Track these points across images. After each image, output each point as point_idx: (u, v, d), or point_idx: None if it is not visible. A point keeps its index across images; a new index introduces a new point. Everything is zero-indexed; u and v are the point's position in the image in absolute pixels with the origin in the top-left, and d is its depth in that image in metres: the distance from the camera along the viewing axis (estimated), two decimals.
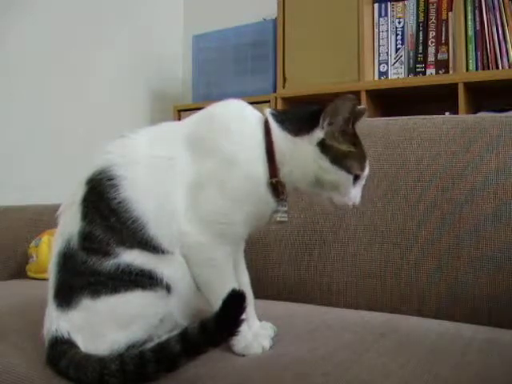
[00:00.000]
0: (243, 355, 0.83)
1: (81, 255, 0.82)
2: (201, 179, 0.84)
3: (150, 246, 0.82)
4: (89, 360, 0.78)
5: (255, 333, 0.87)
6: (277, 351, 0.85)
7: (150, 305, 0.82)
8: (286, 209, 0.89)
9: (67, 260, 0.84)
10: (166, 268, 0.83)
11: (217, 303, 0.83)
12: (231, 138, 0.86)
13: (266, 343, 0.85)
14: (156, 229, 0.83)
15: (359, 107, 0.88)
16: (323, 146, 0.84)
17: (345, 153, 0.84)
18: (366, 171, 0.87)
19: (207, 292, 0.86)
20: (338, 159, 0.84)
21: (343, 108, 0.84)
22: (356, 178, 0.85)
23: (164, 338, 0.78)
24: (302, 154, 0.85)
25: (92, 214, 0.83)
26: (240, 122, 0.88)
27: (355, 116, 0.86)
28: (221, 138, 0.86)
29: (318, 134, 0.85)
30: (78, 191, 0.85)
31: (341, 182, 0.85)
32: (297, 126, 0.87)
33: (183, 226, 0.84)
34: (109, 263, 0.81)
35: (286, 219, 0.89)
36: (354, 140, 0.86)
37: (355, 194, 0.86)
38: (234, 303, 0.74)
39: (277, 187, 0.86)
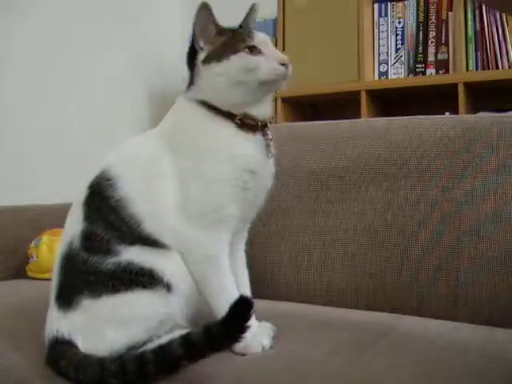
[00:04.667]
0: (243, 354, 0.83)
1: (82, 255, 0.83)
2: (182, 176, 0.86)
3: (149, 241, 0.84)
4: (88, 360, 0.78)
5: (254, 332, 0.87)
6: (277, 351, 0.85)
7: (151, 305, 0.82)
8: (269, 142, 0.91)
9: (69, 261, 0.85)
10: (166, 266, 0.84)
11: (214, 301, 0.84)
12: (182, 127, 0.91)
13: (266, 342, 0.86)
14: (152, 225, 0.84)
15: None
16: (206, 59, 0.89)
17: (221, 45, 0.88)
18: (255, 38, 0.88)
19: (204, 289, 0.86)
20: (221, 54, 0.87)
21: (198, 22, 0.89)
22: (251, 49, 0.87)
23: (166, 340, 0.78)
24: (210, 80, 0.89)
25: (93, 213, 0.85)
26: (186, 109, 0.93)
27: (211, 17, 0.89)
28: (178, 133, 0.90)
29: (200, 56, 0.90)
30: (81, 195, 0.88)
31: (242, 64, 0.86)
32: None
33: (176, 224, 0.85)
34: (110, 262, 0.81)
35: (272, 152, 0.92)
36: (222, 34, 0.89)
37: (267, 59, 0.86)
38: (241, 309, 0.74)
39: (245, 122, 0.88)
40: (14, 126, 2.14)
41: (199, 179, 0.86)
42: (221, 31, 0.90)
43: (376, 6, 2.36)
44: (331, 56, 2.37)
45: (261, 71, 0.86)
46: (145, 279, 0.82)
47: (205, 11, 0.88)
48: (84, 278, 0.82)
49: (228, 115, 0.88)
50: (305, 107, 2.57)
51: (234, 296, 0.83)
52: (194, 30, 0.89)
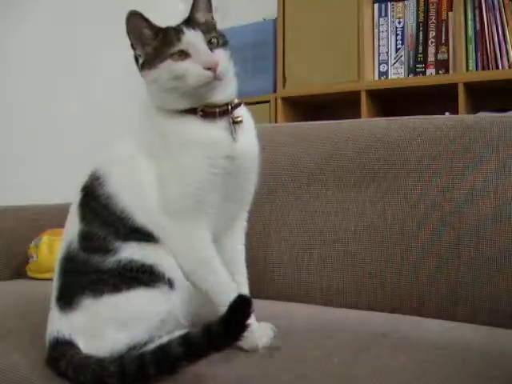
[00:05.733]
0: (242, 348, 0.83)
1: (82, 255, 0.84)
2: (158, 178, 0.87)
3: (143, 234, 0.85)
4: (88, 361, 0.78)
5: (254, 331, 0.87)
6: (277, 351, 0.85)
7: (153, 303, 0.82)
8: (234, 126, 0.89)
9: (69, 262, 0.86)
10: (166, 261, 0.84)
11: (209, 291, 0.86)
12: (149, 131, 0.91)
13: (265, 339, 0.85)
14: (143, 218, 0.85)
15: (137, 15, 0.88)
16: (142, 66, 0.89)
17: (153, 50, 0.87)
18: (183, 41, 0.85)
19: (195, 282, 0.86)
20: (152, 62, 0.87)
21: (129, 31, 0.88)
22: (181, 54, 0.85)
23: (165, 340, 0.78)
24: (148, 86, 0.90)
25: (88, 213, 0.87)
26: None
27: (143, 22, 0.88)
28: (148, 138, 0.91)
29: (140, 62, 0.90)
30: (76, 198, 0.90)
31: (169, 73, 0.85)
32: None
33: (160, 220, 0.86)
34: (110, 260, 0.82)
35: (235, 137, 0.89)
36: (157, 35, 0.88)
37: (193, 64, 0.84)
38: (241, 308, 0.74)
39: (207, 112, 0.88)
40: (14, 127, 2.14)
41: (173, 177, 0.86)
42: (157, 32, 0.88)
43: (376, 5, 2.36)
44: (331, 56, 2.37)
45: (187, 78, 0.84)
46: (146, 276, 0.82)
47: (133, 18, 0.87)
48: (85, 277, 0.82)
49: (188, 111, 0.88)
50: (305, 107, 2.57)
51: (227, 282, 0.86)
52: (129, 40, 0.89)
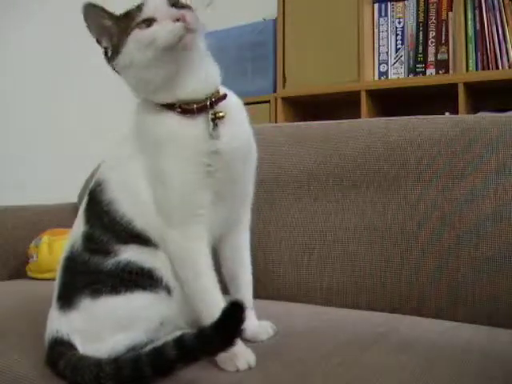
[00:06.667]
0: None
1: (83, 256, 0.84)
2: (148, 177, 0.85)
3: (142, 239, 0.84)
4: (85, 362, 0.77)
5: (254, 332, 0.87)
6: (277, 351, 0.85)
7: (151, 307, 0.82)
8: (213, 122, 0.84)
9: (71, 262, 0.86)
10: (164, 267, 0.83)
11: (194, 304, 0.83)
12: (138, 128, 0.89)
13: (246, 364, 0.80)
14: (142, 223, 0.84)
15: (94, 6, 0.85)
16: (112, 57, 0.85)
17: (118, 33, 0.83)
18: (145, 9, 0.81)
19: (185, 290, 0.84)
20: (119, 44, 0.83)
21: (90, 24, 0.85)
22: (147, 22, 0.80)
23: (160, 342, 0.77)
24: (124, 77, 0.87)
25: (91, 217, 0.87)
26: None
27: (101, 12, 0.85)
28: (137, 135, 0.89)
29: (109, 54, 0.86)
30: (84, 201, 0.91)
31: (137, 43, 0.81)
32: None
33: (157, 224, 0.85)
34: (109, 262, 0.82)
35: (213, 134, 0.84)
36: (120, 17, 0.84)
37: (161, 24, 0.80)
38: (234, 313, 0.73)
39: (185, 109, 0.84)
40: (14, 127, 2.14)
41: (158, 178, 0.84)
42: (117, 19, 0.84)
43: (376, 5, 2.36)
44: (331, 56, 2.37)
45: (158, 39, 0.79)
46: (145, 280, 0.82)
47: (90, 10, 0.84)
48: (85, 277, 0.83)
49: (167, 106, 0.85)
50: (305, 107, 2.57)
51: (214, 299, 0.83)
52: (92, 35, 0.85)
